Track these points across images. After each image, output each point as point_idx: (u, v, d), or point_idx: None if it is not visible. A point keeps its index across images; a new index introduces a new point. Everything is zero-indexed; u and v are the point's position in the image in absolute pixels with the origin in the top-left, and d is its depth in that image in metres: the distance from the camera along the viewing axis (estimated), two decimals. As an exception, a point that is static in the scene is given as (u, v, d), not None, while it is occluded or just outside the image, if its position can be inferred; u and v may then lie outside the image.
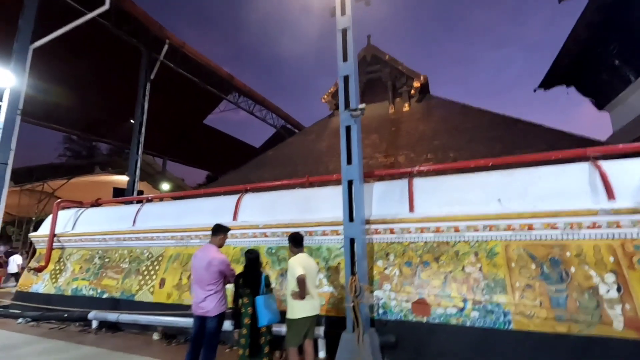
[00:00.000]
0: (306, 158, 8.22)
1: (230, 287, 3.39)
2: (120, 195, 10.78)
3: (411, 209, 4.18)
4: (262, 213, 5.17)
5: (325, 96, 9.75)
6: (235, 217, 5.33)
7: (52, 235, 6.88)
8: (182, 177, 23.99)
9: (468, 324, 3.54)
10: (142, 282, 5.68)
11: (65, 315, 5.94)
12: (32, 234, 7.48)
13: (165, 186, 21.57)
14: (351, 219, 3.87)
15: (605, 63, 6.30)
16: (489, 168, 4.22)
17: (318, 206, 4.81)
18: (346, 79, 4.26)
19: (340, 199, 4.58)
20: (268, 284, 3.25)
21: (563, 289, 3.31)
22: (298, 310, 3.15)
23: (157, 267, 5.71)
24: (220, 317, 3.19)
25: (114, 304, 5.74)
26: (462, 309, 3.62)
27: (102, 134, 22.50)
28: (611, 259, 3.25)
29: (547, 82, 8.17)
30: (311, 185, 5.32)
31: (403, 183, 4.49)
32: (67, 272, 6.59)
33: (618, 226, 3.28)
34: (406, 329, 3.76)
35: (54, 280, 6.63)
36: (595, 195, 3.47)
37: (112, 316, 5.42)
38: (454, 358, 3.50)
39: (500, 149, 6.02)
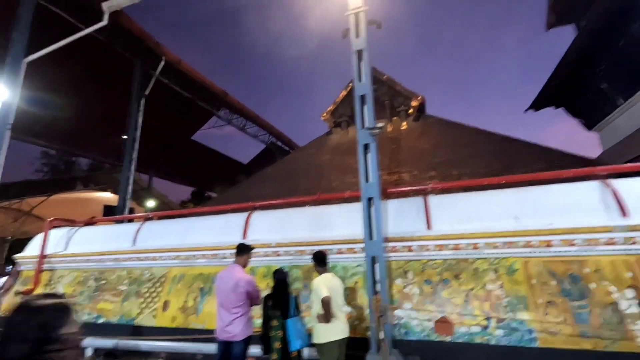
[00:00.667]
0: (308, 174, 8.21)
1: (256, 309, 3.27)
2: (111, 213, 10.38)
3: (429, 226, 4.21)
4: (273, 231, 5.08)
5: (325, 114, 9.87)
6: (244, 236, 5.21)
7: (42, 255, 6.49)
8: (165, 194, 23.40)
9: (493, 342, 3.53)
10: (144, 305, 5.40)
11: (56, 342, 5.55)
12: (17, 255, 7.03)
13: (151, 203, 20.92)
14: (371, 237, 3.86)
15: (595, 87, 6.72)
16: (502, 186, 4.34)
17: (332, 223, 4.78)
18: (362, 98, 4.35)
19: (354, 217, 4.59)
20: (297, 306, 3.15)
21: (585, 305, 3.37)
22: (324, 334, 3.04)
23: (159, 289, 5.46)
24: (247, 342, 3.06)
25: (112, 329, 5.40)
26: (485, 327, 3.61)
27: (85, 149, 21.83)
28: (629, 274, 3.36)
29: (538, 104, 8.59)
30: (322, 202, 5.30)
31: (418, 200, 4.54)
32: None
33: (633, 242, 3.41)
34: (430, 349, 3.71)
35: (42, 304, 6.20)
36: (609, 212, 3.60)
37: (109, 343, 5.10)
38: (481, 378, 3.46)
39: (501, 166, 6.21)
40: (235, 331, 3.00)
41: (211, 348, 4.55)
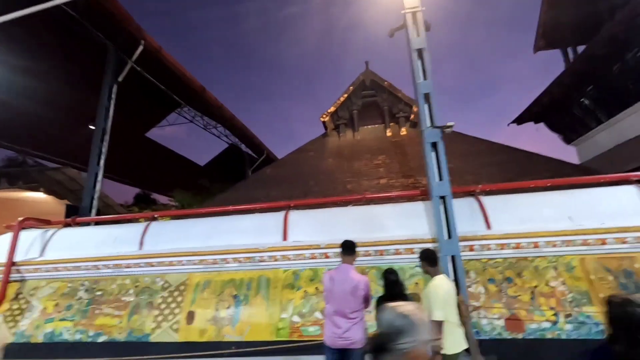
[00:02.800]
0: (317, 177, 7.95)
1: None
2: (74, 214, 8.95)
3: (488, 226, 4.29)
4: (318, 232, 4.75)
5: (325, 115, 9.72)
6: (285, 237, 4.80)
7: (10, 263, 5.28)
8: (107, 195, 20.95)
9: (564, 336, 3.67)
10: (160, 318, 4.65)
11: (39, 370, 4.51)
12: (-32, 263, 5.63)
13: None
14: (449, 236, 3.81)
15: (580, 106, 7.64)
16: (546, 188, 4.62)
17: (383, 224, 4.62)
18: (427, 96, 4.32)
19: (406, 217, 4.51)
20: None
21: (643, 297, 3.68)
22: (453, 342, 2.74)
23: (179, 299, 4.75)
24: (365, 349, 2.75)
25: (118, 348, 4.55)
26: (555, 323, 3.75)
27: (14, 139, 18.70)
28: (675, 268, 3.76)
29: (521, 119, 9.50)
30: (366, 203, 5.13)
31: (470, 201, 4.61)
32: (33, 312, 5.06)
33: (676, 239, 3.83)
34: (502, 348, 3.73)
35: (11, 324, 5.02)
36: (650, 213, 4.02)
37: (120, 365, 4.28)
38: (556, 372, 3.56)
39: (513, 175, 6.64)
40: (355, 338, 2.68)
41: (254, 362, 4.09)
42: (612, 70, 6.53)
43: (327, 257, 4.57)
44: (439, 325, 2.66)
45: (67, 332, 4.80)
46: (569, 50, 8.87)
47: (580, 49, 8.57)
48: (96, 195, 9.34)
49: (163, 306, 4.73)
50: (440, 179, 4.00)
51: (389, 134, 9.58)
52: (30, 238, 5.69)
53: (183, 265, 4.93)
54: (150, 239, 5.27)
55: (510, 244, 4.16)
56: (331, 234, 4.69)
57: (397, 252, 4.42)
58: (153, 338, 4.53)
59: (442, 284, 2.84)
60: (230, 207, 5.47)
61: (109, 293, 5.01)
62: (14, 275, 5.34)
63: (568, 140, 8.73)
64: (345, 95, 9.80)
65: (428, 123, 4.23)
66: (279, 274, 4.67)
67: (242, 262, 4.78)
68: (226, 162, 25.00)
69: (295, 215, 5.04)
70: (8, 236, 5.83)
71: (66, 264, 5.25)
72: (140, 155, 22.81)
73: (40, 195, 17.06)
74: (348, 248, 3.04)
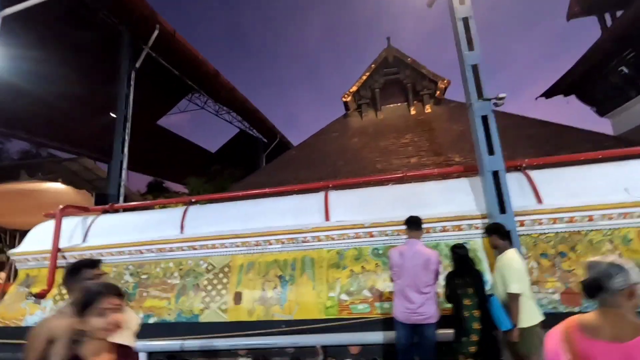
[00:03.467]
0: (344, 157, 7.86)
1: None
2: (104, 203, 9.07)
3: (539, 200, 4.19)
4: (360, 211, 4.71)
5: (347, 95, 9.51)
6: (327, 217, 4.78)
7: (57, 249, 5.39)
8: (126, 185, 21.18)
9: (622, 309, 3.62)
10: (208, 299, 4.73)
11: (95, 350, 4.66)
12: (14, 251, 5.78)
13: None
14: (503, 211, 3.73)
15: (615, 74, 7.32)
16: (597, 160, 4.47)
17: (428, 201, 4.55)
18: (475, 67, 4.14)
19: (451, 194, 4.44)
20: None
21: None
22: (529, 316, 2.66)
23: (224, 280, 4.82)
24: (438, 324, 2.75)
25: (168, 329, 4.67)
26: (613, 296, 3.69)
27: (30, 130, 18.77)
28: None
29: (551, 92, 9.16)
30: (406, 181, 5.05)
31: (517, 175, 4.49)
32: (82, 296, 5.20)
33: None
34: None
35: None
36: None
37: (173, 345, 4.40)
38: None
39: (550, 148, 6.45)
40: (430, 312, 2.68)
41: (303, 340, 4.16)
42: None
43: (371, 236, 4.55)
44: (516, 298, 2.62)
45: (118, 314, 4.92)
46: (607, 16, 8.39)
47: (617, 15, 8.16)
48: (123, 183, 9.45)
49: (209, 288, 4.81)
50: (492, 154, 3.88)
51: (413, 112, 9.36)
52: (71, 225, 5.78)
53: (226, 247, 4.97)
54: (190, 222, 5.31)
55: (564, 218, 4.07)
56: (374, 212, 4.65)
57: (444, 229, 4.37)
58: (202, 318, 4.63)
59: (516, 257, 2.79)
60: (267, 190, 5.45)
61: (154, 276, 5.10)
62: (60, 262, 5.47)
63: (602, 112, 8.41)
64: (367, 74, 9.55)
65: (475, 96, 4.07)
66: (323, 253, 4.67)
67: (284, 243, 4.80)
68: (237, 147, 24.93)
69: (335, 195, 5.00)
70: (49, 224, 5.94)
71: (110, 249, 5.34)
72: (152, 144, 22.86)
73: (59, 186, 17.32)
74: (415, 223, 2.99)
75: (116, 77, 10.39)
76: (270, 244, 4.84)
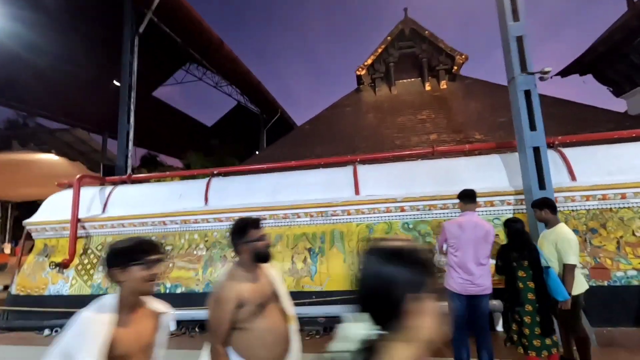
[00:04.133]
0: (361, 133, 7.75)
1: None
2: (111, 174, 8.88)
3: (573, 177, 4.21)
4: (389, 186, 4.69)
5: (360, 68, 9.25)
6: (357, 191, 4.75)
7: (76, 220, 5.28)
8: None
9: (649, 283, 3.75)
10: (236, 271, 4.74)
11: (123, 318, 4.69)
12: (30, 221, 5.65)
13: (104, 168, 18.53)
14: (542, 187, 3.74)
15: (636, 57, 7.24)
16: (626, 139, 4.47)
17: (460, 177, 4.53)
18: (519, 39, 4.01)
19: (483, 170, 4.43)
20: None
21: None
22: (575, 285, 2.75)
23: (252, 252, 4.82)
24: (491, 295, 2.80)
25: (198, 299, 4.70)
26: (641, 270, 3.81)
27: (22, 99, 17.99)
28: None
29: (566, 71, 9.06)
30: (435, 156, 5.01)
31: (551, 153, 4.48)
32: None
33: None
34: (588, 294, 3.83)
35: (85, 277, 5.15)
36: None
37: (205, 313, 4.44)
38: (641, 316, 3.69)
39: (573, 127, 6.43)
40: (487, 284, 2.71)
41: (334, 310, 4.23)
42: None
43: (403, 210, 4.55)
44: (573, 269, 2.68)
45: (144, 284, 4.92)
46: None
47: None
48: (130, 154, 9.20)
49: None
50: (534, 129, 3.84)
51: (428, 87, 9.19)
52: (88, 195, 5.65)
53: (253, 220, 4.93)
54: (215, 194, 5.23)
55: (597, 195, 4.11)
56: (405, 187, 4.63)
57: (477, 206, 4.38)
58: (231, 289, 4.66)
59: (570, 230, 2.82)
60: (293, 163, 5.36)
61: (179, 247, 5.07)
62: (80, 232, 5.38)
63: (618, 92, 8.39)
64: (383, 47, 9.25)
65: (518, 69, 3.96)
66: (352, 227, 4.68)
67: (313, 217, 4.78)
68: (235, 122, 24.36)
69: (364, 170, 4.95)
70: (65, 194, 5.80)
71: (132, 220, 5.26)
72: (146, 116, 22.10)
73: (52, 157, 16.87)
74: (470, 196, 2.97)
75: (116, 44, 9.86)
76: (299, 217, 4.81)
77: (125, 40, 9.82)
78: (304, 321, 4.37)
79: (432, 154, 4.97)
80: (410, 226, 4.54)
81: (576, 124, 6.57)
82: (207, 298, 4.58)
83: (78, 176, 5.49)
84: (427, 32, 9.05)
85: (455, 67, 8.85)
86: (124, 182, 5.99)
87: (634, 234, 3.95)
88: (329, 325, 4.30)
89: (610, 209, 4.11)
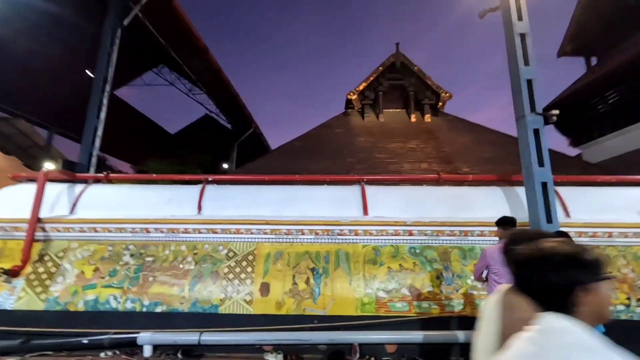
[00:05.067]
0: (355, 154, 7.77)
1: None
2: (70, 169, 7.90)
3: (567, 214, 4.50)
4: (400, 208, 4.65)
5: (352, 93, 9.45)
6: (365, 211, 4.63)
7: (36, 220, 4.48)
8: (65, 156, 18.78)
9: (636, 318, 4.03)
10: (230, 289, 4.28)
11: (86, 341, 3.96)
12: (-28, 217, 4.69)
13: (49, 166, 16.76)
14: (549, 220, 3.93)
15: (594, 113, 8.27)
16: (610, 184, 4.95)
17: (469, 205, 4.65)
18: (529, 82, 4.33)
19: (493, 199, 4.60)
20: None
21: (701, 286, 4.15)
22: None
23: (248, 269, 4.41)
24: None
25: (180, 320, 4.13)
26: (628, 306, 4.09)
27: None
28: None
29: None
30: (438, 182, 5.11)
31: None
32: (66, 277, 4.39)
33: None
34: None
35: (39, 289, 4.31)
36: None
37: (190, 337, 3.90)
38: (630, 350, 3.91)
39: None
40: None
41: (338, 337, 3.96)
42: (634, 82, 7.19)
43: (411, 234, 4.51)
44: None
45: (115, 300, 4.24)
46: (593, 59, 9.58)
47: (594, 60, 9.41)
48: (95, 152, 8.31)
49: (231, 276, 4.36)
50: (542, 165, 4.09)
51: (413, 119, 9.61)
52: (53, 193, 4.87)
53: (252, 234, 4.56)
54: (210, 203, 4.79)
55: (588, 232, 4.42)
56: (413, 211, 4.62)
57: (481, 234, 4.49)
58: (222, 309, 4.18)
59: None
60: (297, 177, 5.14)
61: (163, 259, 4.50)
62: (38, 234, 4.57)
63: (576, 143, 9.49)
64: (374, 76, 9.59)
65: (529, 109, 4.25)
66: (358, 248, 4.51)
67: (319, 235, 4.54)
68: (202, 132, 23.43)
69: (371, 190, 4.88)
70: (22, 188, 4.96)
71: (108, 225, 4.59)
72: (106, 115, 20.39)
73: (-27, 149, 14.70)
74: (511, 223, 2.99)
75: (92, 32, 9.11)
76: (303, 233, 4.54)
77: (106, 31, 9.12)
78: (303, 348, 4.02)
79: (437, 181, 5.06)
80: (417, 251, 4.49)
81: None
82: (193, 318, 4.01)
83: (44, 170, 4.74)
84: (416, 67, 9.59)
85: (440, 104, 9.41)
86: (99, 181, 5.28)
87: (619, 271, 4.27)
88: (331, 353, 3.98)
89: (599, 246, 4.43)
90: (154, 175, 5.30)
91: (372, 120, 9.65)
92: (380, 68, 9.66)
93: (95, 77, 8.94)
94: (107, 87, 8.91)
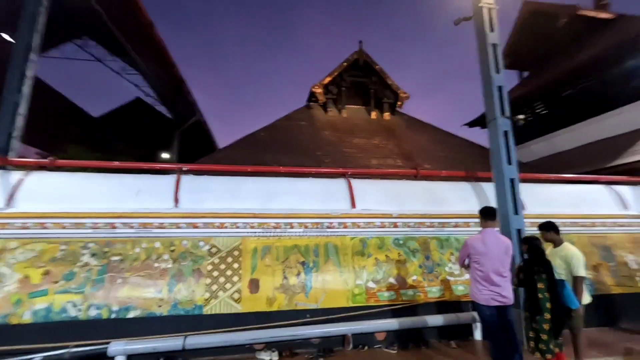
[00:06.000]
0: (323, 148, 7.76)
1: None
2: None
3: (523, 207, 5.14)
4: (385, 202, 4.81)
5: (317, 86, 9.40)
6: (353, 204, 4.68)
7: (-41, 214, 3.58)
8: None
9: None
10: (215, 288, 3.97)
11: (39, 358, 3.33)
12: None
13: None
14: (516, 212, 4.44)
15: (523, 120, 9.62)
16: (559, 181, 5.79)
17: (445, 198, 5.01)
18: (500, 88, 4.81)
19: (463, 194, 5.06)
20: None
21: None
22: (585, 295, 3.32)
23: (234, 266, 4.14)
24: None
25: (158, 325, 3.72)
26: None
27: None
28: (631, 245, 5.33)
29: (473, 123, 11.25)
30: (416, 177, 5.40)
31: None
32: (4, 283, 3.60)
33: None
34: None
35: (-34, 300, 3.48)
36: (613, 204, 5.55)
37: (173, 343, 3.54)
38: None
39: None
40: (510, 295, 2.95)
41: (336, 329, 3.99)
42: (560, 95, 8.51)
43: (396, 226, 4.70)
44: (582, 281, 3.21)
45: (74, 308, 3.63)
46: (525, 73, 11.07)
47: (527, 74, 10.96)
48: (16, 134, 6.98)
49: (215, 273, 4.05)
50: (510, 164, 4.59)
51: (373, 116, 9.97)
52: (-19, 180, 3.94)
53: (238, 228, 4.28)
54: (188, 195, 4.35)
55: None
56: (398, 204, 4.83)
57: (456, 225, 4.89)
58: (208, 310, 3.87)
59: (576, 248, 3.38)
60: (282, 169, 4.96)
61: (132, 258, 3.97)
62: (-38, 232, 3.66)
63: (508, 146, 10.93)
64: (338, 71, 9.69)
65: (499, 113, 4.73)
66: (346, 241, 4.56)
67: (308, 228, 4.46)
68: (132, 118, 21.15)
69: (359, 184, 4.95)
70: None
71: (61, 220, 3.88)
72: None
73: None
74: (492, 214, 3.26)
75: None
76: (292, 227, 4.42)
77: (30, -14, 7.60)
78: (295, 343, 3.94)
79: (415, 176, 5.34)
80: (401, 242, 4.70)
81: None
82: (173, 322, 3.65)
83: (-30, 151, 3.79)
84: (377, 66, 9.93)
85: (399, 103, 9.92)
86: (42, 168, 4.41)
87: (561, 255, 5.04)
88: (324, 346, 3.98)
89: (546, 234, 5.16)
90: (116, 162, 4.59)
91: (334, 115, 9.75)
92: (345, 64, 9.78)
93: (17, 42, 7.43)
94: (33, 56, 7.48)
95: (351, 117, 9.82)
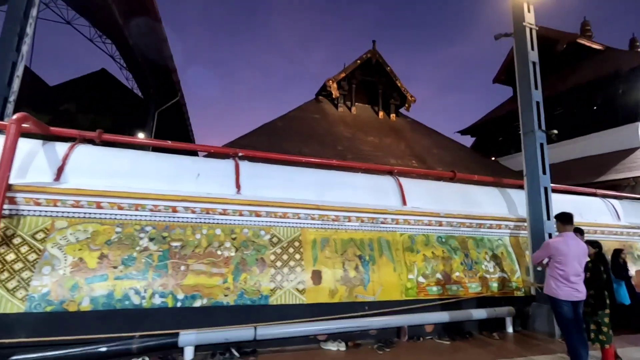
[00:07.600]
0: (342, 142, 7.82)
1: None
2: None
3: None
4: (431, 201, 5.03)
5: (331, 80, 9.40)
6: (404, 202, 4.84)
7: (5, 186, 3.13)
8: None
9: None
10: (279, 278, 3.91)
11: (105, 348, 3.07)
12: None
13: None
14: (548, 218, 4.90)
15: (514, 132, 10.42)
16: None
17: (479, 201, 5.36)
18: (537, 104, 5.24)
19: (495, 197, 5.48)
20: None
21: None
22: None
23: (296, 256, 4.10)
24: None
25: (225, 315, 3.59)
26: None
27: None
28: None
29: (465, 131, 11.98)
30: (453, 180, 5.69)
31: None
32: (56, 267, 3.24)
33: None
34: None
35: (13, 284, 3.08)
36: (609, 215, 6.33)
37: (244, 333, 3.46)
38: None
39: (493, 172, 8.55)
40: (584, 291, 3.30)
41: (389, 321, 4.13)
42: (552, 113, 9.40)
43: (441, 225, 4.95)
44: None
45: (137, 295, 3.37)
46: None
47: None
48: (12, 98, 6.25)
49: (279, 264, 3.98)
50: (544, 173, 5.04)
51: (380, 116, 10.22)
52: (23, 151, 3.48)
53: (300, 219, 4.24)
54: (248, 181, 4.20)
55: (555, 228, 5.67)
56: (441, 204, 5.08)
57: (490, 227, 5.26)
58: (273, 300, 3.80)
59: None
60: (334, 162, 4.97)
61: (194, 245, 3.77)
62: (8, 208, 3.21)
63: (499, 155, 11.79)
64: (352, 68, 9.77)
65: (537, 126, 5.16)
66: (397, 236, 4.71)
67: (364, 222, 4.54)
68: (97, 90, 19.44)
69: (408, 183, 5.11)
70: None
71: (117, 199, 3.56)
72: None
73: None
74: (570, 219, 3.58)
75: None
76: (350, 220, 4.47)
77: None
78: (355, 335, 4.02)
79: (452, 179, 5.64)
80: (443, 240, 4.96)
81: (489, 170, 8.76)
82: (241, 312, 3.62)
83: (17, 115, 3.30)
84: (388, 68, 10.17)
85: (407, 105, 10.26)
86: (88, 141, 3.97)
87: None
88: (382, 338, 4.10)
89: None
90: (169, 142, 4.25)
91: (344, 111, 9.84)
92: (358, 62, 9.88)
93: (15, -6, 6.56)
94: (34, 12, 6.69)
95: (360, 114, 9.98)
